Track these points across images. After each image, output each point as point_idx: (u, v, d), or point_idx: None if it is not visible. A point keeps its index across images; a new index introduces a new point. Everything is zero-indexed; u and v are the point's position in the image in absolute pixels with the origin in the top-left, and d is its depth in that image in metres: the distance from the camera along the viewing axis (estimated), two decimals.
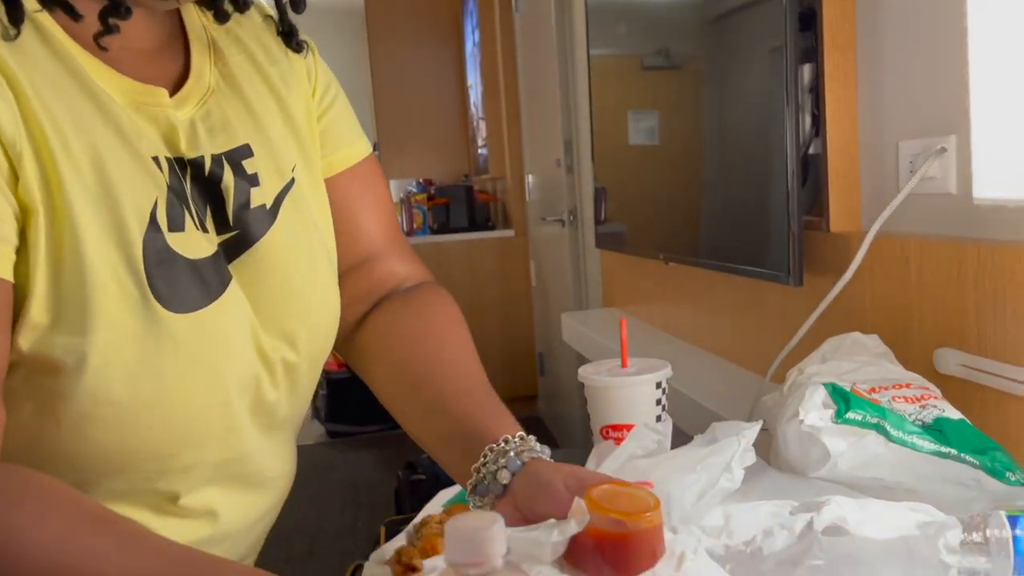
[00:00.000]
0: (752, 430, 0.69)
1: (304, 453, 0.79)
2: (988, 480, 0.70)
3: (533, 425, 3.76)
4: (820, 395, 0.76)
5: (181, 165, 0.64)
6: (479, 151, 4.53)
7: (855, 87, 1.19)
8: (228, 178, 0.66)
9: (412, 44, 4.82)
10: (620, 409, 0.86)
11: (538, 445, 0.65)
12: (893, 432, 0.70)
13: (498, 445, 0.64)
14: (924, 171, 1.02)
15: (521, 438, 0.65)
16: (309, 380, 0.74)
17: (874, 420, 0.71)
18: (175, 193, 0.62)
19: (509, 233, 4.05)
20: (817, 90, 1.22)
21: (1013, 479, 0.70)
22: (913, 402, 0.81)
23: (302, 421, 0.78)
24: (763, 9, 1.26)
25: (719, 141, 1.51)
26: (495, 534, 0.39)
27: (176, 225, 0.61)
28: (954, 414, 0.78)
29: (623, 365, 0.90)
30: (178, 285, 0.60)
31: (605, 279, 2.49)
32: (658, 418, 0.87)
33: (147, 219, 0.59)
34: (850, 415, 0.71)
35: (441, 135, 4.87)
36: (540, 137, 3.40)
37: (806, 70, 1.23)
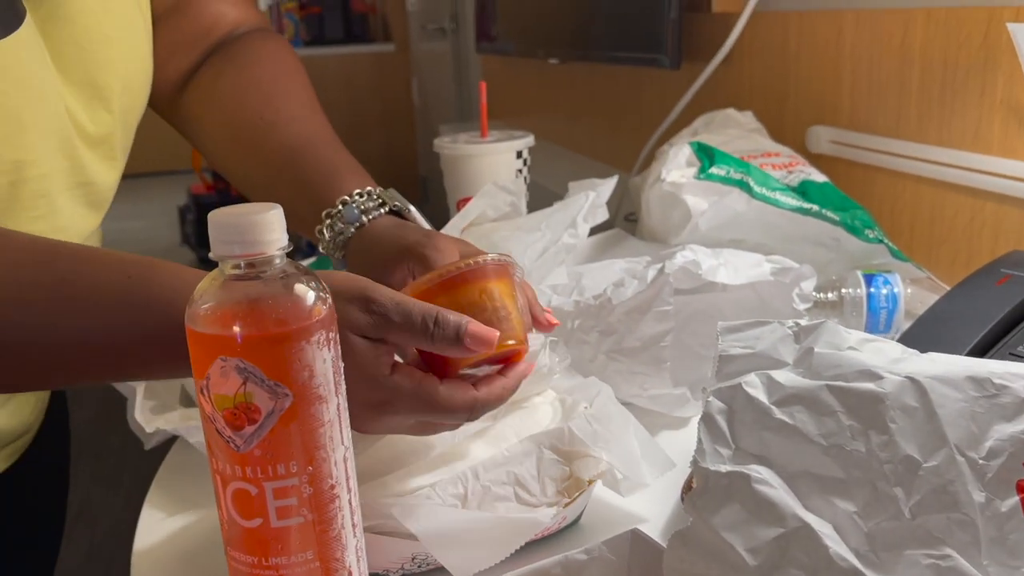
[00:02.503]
0: (606, 185, 0.65)
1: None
2: (847, 238, 0.68)
3: None
4: (684, 153, 0.71)
5: None
6: None
7: None
8: None
9: None
10: (478, 180, 0.79)
11: (392, 198, 0.58)
12: (756, 189, 0.67)
13: (334, 208, 0.57)
14: None
15: (368, 193, 0.58)
16: (123, 149, 0.63)
17: (738, 176, 0.67)
18: None
19: (389, 47, 3.82)
20: None
21: (872, 236, 0.69)
22: (780, 168, 0.77)
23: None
24: None
25: None
26: (271, 219, 0.32)
27: None
28: (819, 177, 0.76)
29: (483, 135, 0.83)
30: None
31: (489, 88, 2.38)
32: None
33: None
34: (714, 170, 0.67)
35: None
36: None
37: None
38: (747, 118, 0.93)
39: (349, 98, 3.80)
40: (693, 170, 0.68)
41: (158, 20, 0.67)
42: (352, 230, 0.57)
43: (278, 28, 3.96)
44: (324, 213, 0.58)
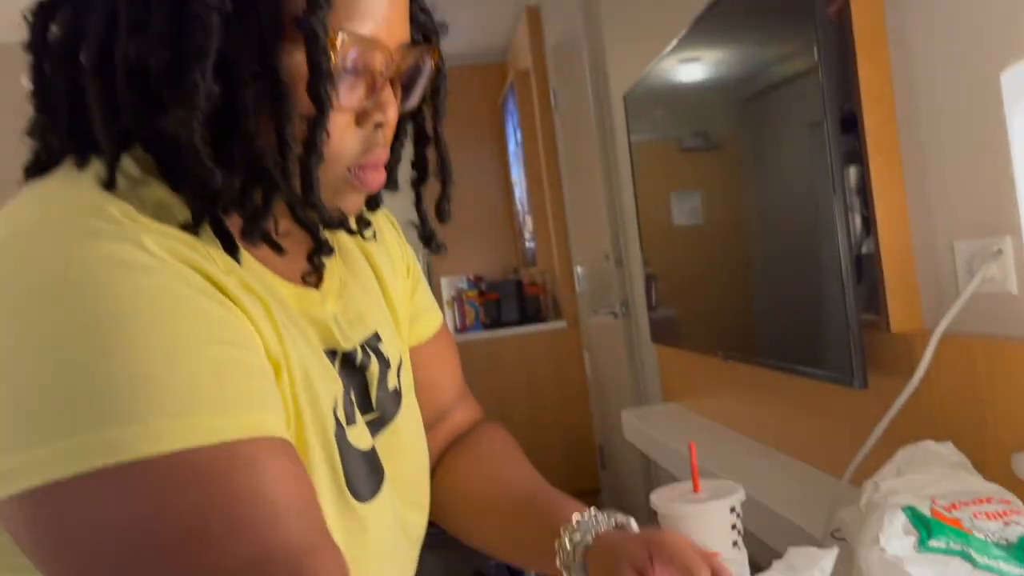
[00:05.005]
0: (828, 559, 0.69)
1: None
2: None
3: None
4: (900, 521, 0.75)
5: (335, 358, 0.66)
6: (527, 244, 4.60)
7: (903, 189, 1.20)
8: (374, 365, 0.69)
9: (456, 145, 4.87)
10: (696, 537, 0.85)
11: (614, 516, 0.71)
12: (979, 559, 0.69)
13: (570, 524, 0.69)
14: (983, 274, 1.02)
15: (594, 513, 0.71)
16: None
17: (958, 547, 0.70)
18: (347, 391, 0.65)
19: (561, 325, 4.07)
20: (864, 191, 1.23)
21: None
22: (995, 518, 0.79)
23: None
24: (797, 86, 1.29)
25: (763, 220, 1.53)
26: None
27: (350, 418, 0.64)
28: None
29: (695, 489, 0.90)
30: (360, 477, 0.62)
31: (663, 372, 2.48)
32: (734, 544, 0.87)
33: (333, 415, 0.61)
34: (933, 543, 0.70)
35: (489, 231, 4.96)
36: (586, 229, 3.45)
37: (852, 172, 1.25)
38: (948, 450, 0.95)
39: (526, 372, 4.02)
40: (912, 540, 0.72)
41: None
42: (590, 538, 0.69)
43: (461, 315, 4.32)
44: (562, 528, 0.70)
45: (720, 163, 1.72)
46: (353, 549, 0.60)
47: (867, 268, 1.26)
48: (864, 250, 1.26)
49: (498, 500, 0.79)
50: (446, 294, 4.43)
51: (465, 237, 4.87)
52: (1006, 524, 0.78)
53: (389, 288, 0.77)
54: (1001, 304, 1.02)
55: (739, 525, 0.89)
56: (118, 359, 0.46)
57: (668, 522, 0.89)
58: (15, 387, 0.46)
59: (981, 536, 0.73)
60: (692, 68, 1.79)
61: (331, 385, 0.62)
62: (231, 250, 0.57)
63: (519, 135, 4.33)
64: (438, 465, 0.85)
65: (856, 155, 1.24)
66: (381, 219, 0.81)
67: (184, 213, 0.56)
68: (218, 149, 0.54)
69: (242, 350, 0.52)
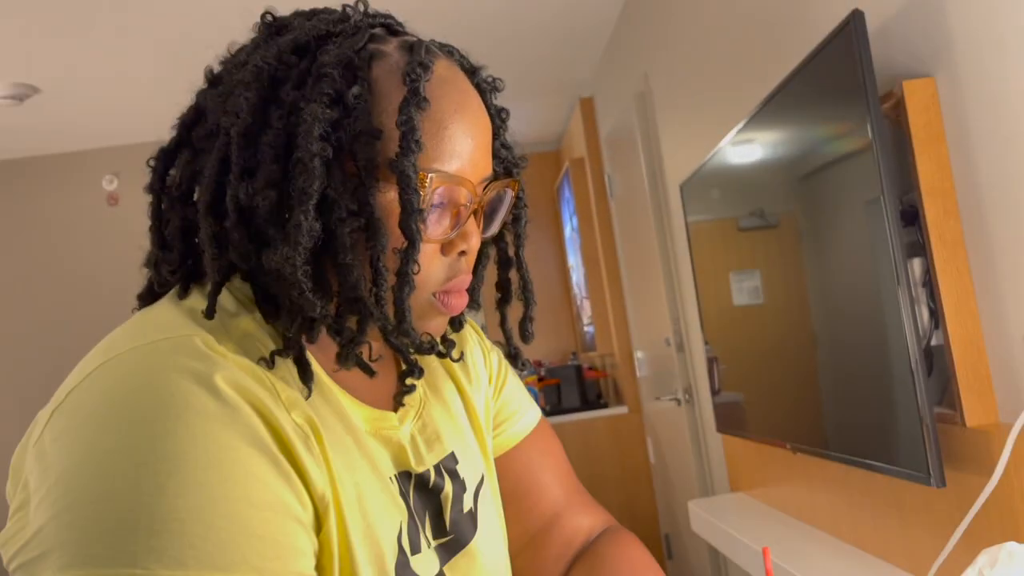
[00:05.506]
0: None
1: None
2: None
3: None
4: None
5: (409, 481, 0.67)
6: (585, 329, 4.61)
7: (970, 281, 1.19)
8: (448, 487, 0.69)
9: None
10: None
11: None
12: None
13: None
14: None
15: None
16: None
17: None
18: (411, 514, 0.65)
19: (623, 410, 4.04)
20: (930, 284, 1.22)
21: None
22: None
23: None
24: (854, 164, 1.29)
25: (826, 300, 1.51)
26: None
27: (415, 547, 0.63)
28: None
29: None
30: None
31: (729, 462, 2.44)
32: None
33: (396, 546, 0.61)
34: None
35: (547, 317, 4.99)
36: (646, 314, 3.45)
37: (916, 264, 1.25)
38: None
39: (588, 459, 3.98)
40: None
41: (532, 539, 0.80)
42: None
43: None
44: None
45: (778, 241, 1.72)
46: None
47: (938, 361, 1.24)
48: (933, 342, 1.25)
49: None
50: None
51: None
52: None
53: (472, 401, 0.77)
54: None
55: None
56: (156, 500, 0.49)
57: None
58: (68, 492, 0.50)
59: None
60: (749, 150, 1.82)
61: (394, 513, 0.63)
62: (305, 379, 0.60)
63: (575, 221, 4.39)
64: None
65: (919, 247, 1.23)
66: (464, 327, 0.82)
67: (267, 345, 0.59)
68: (316, 281, 0.58)
69: (277, 514, 0.53)
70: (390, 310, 0.59)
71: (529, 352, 4.85)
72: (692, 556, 3.17)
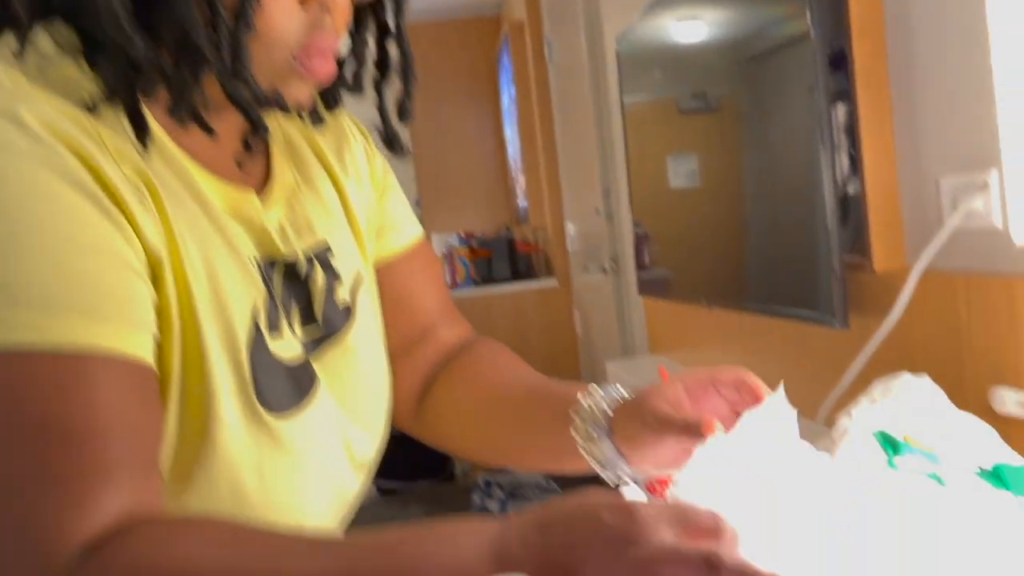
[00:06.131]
0: (785, 407, 0.66)
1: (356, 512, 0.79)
2: None
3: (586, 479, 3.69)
4: (868, 442, 0.74)
5: (274, 267, 0.64)
6: (519, 202, 4.57)
7: (891, 125, 1.18)
8: (318, 276, 0.66)
9: (450, 101, 4.91)
10: None
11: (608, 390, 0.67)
12: (947, 480, 0.68)
13: (589, 392, 0.67)
14: (966, 207, 1.00)
15: (591, 404, 0.67)
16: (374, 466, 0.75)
17: (927, 468, 0.68)
18: (272, 296, 0.62)
19: (552, 283, 4.06)
20: (853, 130, 1.21)
21: None
22: (969, 447, 0.78)
23: None
24: (795, 49, 1.26)
25: (759, 181, 1.51)
26: None
27: (275, 329, 0.61)
28: (1014, 459, 0.75)
29: None
30: (277, 389, 0.60)
31: (650, 326, 2.48)
32: None
33: (251, 325, 0.59)
34: (900, 462, 0.69)
35: (481, 188, 4.93)
36: (579, 186, 3.42)
37: (840, 110, 1.23)
38: (925, 383, 0.94)
39: (517, 330, 4.01)
40: (879, 459, 0.71)
41: (405, 353, 0.79)
42: (615, 397, 0.66)
43: (452, 272, 4.31)
44: (581, 395, 0.67)
45: (719, 125, 1.69)
46: (265, 463, 0.58)
47: (854, 209, 1.24)
48: (851, 191, 1.24)
49: (509, 394, 0.76)
50: (437, 251, 4.41)
51: (457, 194, 4.84)
52: (980, 453, 0.77)
53: (349, 199, 0.74)
54: (985, 239, 1.01)
55: None
56: None
57: None
58: None
59: (952, 459, 0.71)
60: (693, 28, 1.76)
61: (250, 291, 0.59)
62: (140, 133, 0.55)
63: (513, 90, 4.28)
64: (433, 384, 0.81)
65: (846, 93, 1.21)
66: (347, 125, 0.78)
67: (91, 92, 0.53)
68: (142, 19, 0.52)
69: (104, 257, 0.50)
70: (228, 56, 0.53)
71: (462, 224, 4.81)
72: None
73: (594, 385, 0.68)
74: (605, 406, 0.66)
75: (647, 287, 2.18)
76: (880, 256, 1.19)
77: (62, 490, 0.47)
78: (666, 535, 0.41)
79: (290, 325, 0.63)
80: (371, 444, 0.71)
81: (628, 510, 0.42)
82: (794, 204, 1.34)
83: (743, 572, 0.39)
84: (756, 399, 0.64)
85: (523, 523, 0.45)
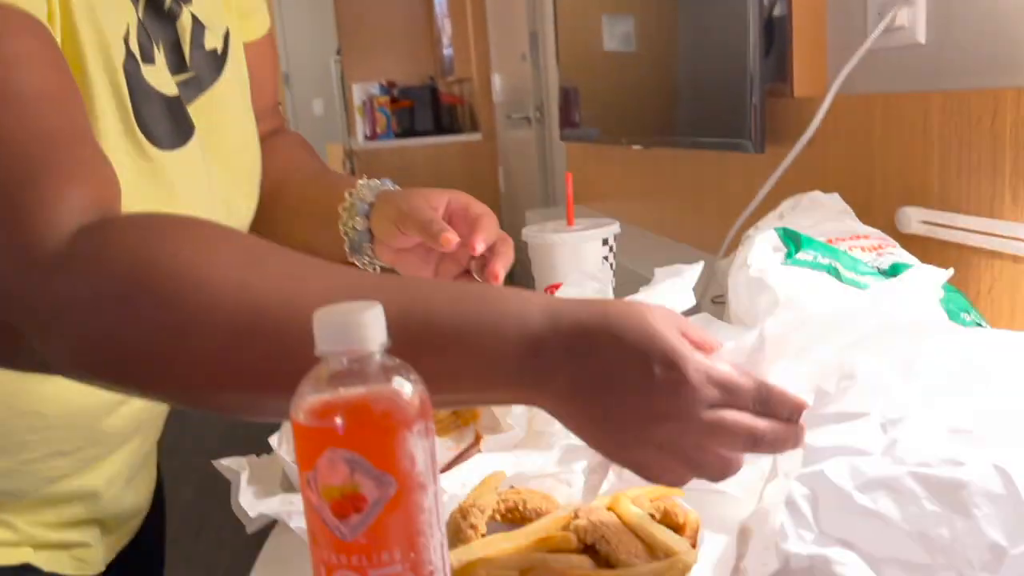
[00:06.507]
0: (692, 271, 0.65)
1: None
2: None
3: None
4: (771, 239, 0.72)
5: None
6: (444, 52, 4.39)
7: None
8: (185, 17, 0.62)
9: None
10: (565, 268, 0.81)
11: (385, 182, 0.70)
12: (845, 273, 0.66)
13: (344, 201, 0.68)
14: (889, 21, 0.96)
15: (363, 184, 0.69)
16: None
17: (826, 261, 0.67)
18: (141, 23, 0.57)
19: (476, 137, 3.95)
20: None
21: (968, 320, 0.67)
22: (870, 251, 0.77)
23: None
24: None
25: (694, 29, 1.44)
26: (373, 318, 0.35)
27: (147, 56, 0.57)
28: (910, 260, 0.75)
29: (569, 223, 0.85)
30: (158, 121, 0.57)
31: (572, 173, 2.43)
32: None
33: (123, 45, 0.55)
34: (800, 256, 0.67)
35: (405, 36, 4.70)
36: (506, 32, 3.28)
37: None
38: (834, 200, 0.93)
39: (438, 183, 3.91)
40: (780, 255, 0.69)
41: None
42: (380, 188, 0.69)
43: (371, 122, 4.15)
44: (347, 193, 0.69)
45: None
46: (150, 199, 0.55)
47: (779, 33, 1.19)
48: (777, 12, 1.19)
49: (293, 178, 0.76)
50: (357, 100, 4.22)
51: (379, 41, 4.61)
52: (880, 255, 0.76)
53: None
54: (909, 57, 0.97)
55: (612, 261, 0.85)
56: None
57: (537, 253, 0.85)
58: None
59: (852, 255, 0.70)
60: None
61: (121, 10, 0.55)
62: None
63: None
64: None
65: None
66: None
67: None
68: None
69: None
70: None
71: (382, 73, 4.60)
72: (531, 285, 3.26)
73: (363, 182, 0.71)
74: (372, 190, 0.69)
75: (569, 133, 2.13)
76: (801, 81, 1.15)
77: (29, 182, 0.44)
78: (711, 395, 0.40)
79: (163, 57, 0.59)
80: (248, 205, 0.69)
81: (681, 371, 0.40)
82: (721, 36, 1.28)
83: (783, 443, 0.39)
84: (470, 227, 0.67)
85: (573, 330, 0.41)
